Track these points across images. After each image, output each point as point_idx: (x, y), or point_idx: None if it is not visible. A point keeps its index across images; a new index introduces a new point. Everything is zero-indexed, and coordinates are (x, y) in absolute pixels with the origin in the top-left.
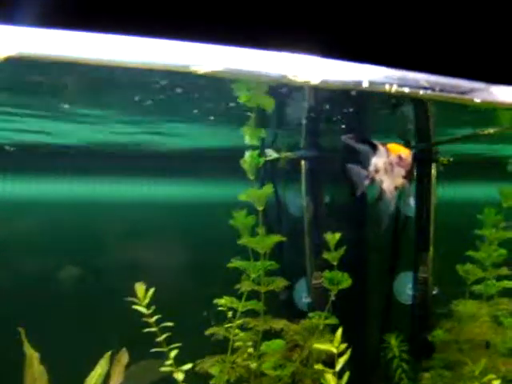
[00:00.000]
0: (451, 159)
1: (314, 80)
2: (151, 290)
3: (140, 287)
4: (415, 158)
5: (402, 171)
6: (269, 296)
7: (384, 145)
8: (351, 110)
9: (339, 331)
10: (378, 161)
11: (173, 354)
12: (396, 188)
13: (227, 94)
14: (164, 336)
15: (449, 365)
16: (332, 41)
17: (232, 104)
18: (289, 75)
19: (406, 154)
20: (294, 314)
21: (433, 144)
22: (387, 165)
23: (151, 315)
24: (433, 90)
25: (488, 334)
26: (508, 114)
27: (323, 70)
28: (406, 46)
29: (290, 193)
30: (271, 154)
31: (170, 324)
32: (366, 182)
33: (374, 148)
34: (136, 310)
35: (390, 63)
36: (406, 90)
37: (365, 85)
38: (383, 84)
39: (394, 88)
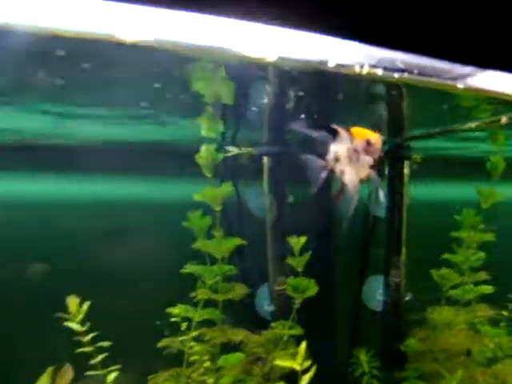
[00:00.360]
0: (423, 157)
1: (271, 56)
2: (86, 304)
3: (72, 301)
4: (386, 154)
5: (368, 160)
6: (228, 304)
7: (347, 129)
8: (317, 99)
9: (303, 345)
10: (338, 148)
11: (112, 376)
12: (361, 180)
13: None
14: (101, 357)
15: (423, 376)
16: (293, 8)
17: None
18: (242, 51)
19: (374, 138)
20: (256, 323)
21: (405, 139)
22: (351, 152)
23: (86, 332)
24: (410, 72)
25: (465, 343)
26: (487, 109)
27: (282, 45)
28: (381, 19)
29: (251, 192)
30: (232, 149)
31: (106, 343)
32: (323, 175)
33: (334, 133)
34: None
35: (363, 39)
36: (380, 72)
37: (331, 64)
38: (353, 65)
39: (366, 69)
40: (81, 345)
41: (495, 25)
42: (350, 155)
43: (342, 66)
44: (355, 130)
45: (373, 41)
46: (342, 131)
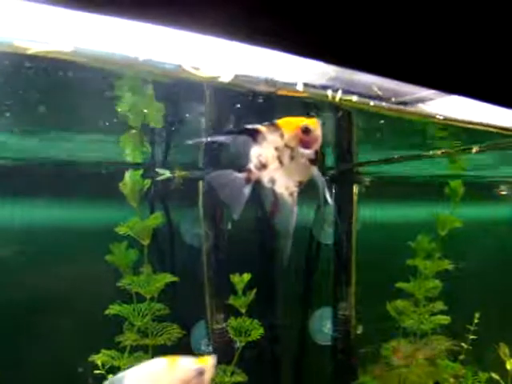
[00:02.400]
0: (373, 180)
1: (225, 76)
2: None
3: None
4: (334, 179)
5: (308, 153)
6: (160, 346)
7: (271, 124)
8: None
9: None
10: (261, 151)
11: None
12: (301, 183)
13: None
14: None
15: None
16: (251, 20)
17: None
18: (186, 67)
19: (312, 124)
20: None
21: (355, 165)
22: (281, 151)
23: None
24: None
25: (423, 379)
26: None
27: (239, 63)
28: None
29: (185, 219)
30: (163, 172)
31: None
32: (246, 191)
33: (254, 135)
34: None
35: (332, 60)
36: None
37: (298, 87)
38: (324, 88)
39: (339, 95)
40: None
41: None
42: (280, 155)
43: (313, 87)
44: (283, 121)
45: (336, 61)
46: (263, 128)
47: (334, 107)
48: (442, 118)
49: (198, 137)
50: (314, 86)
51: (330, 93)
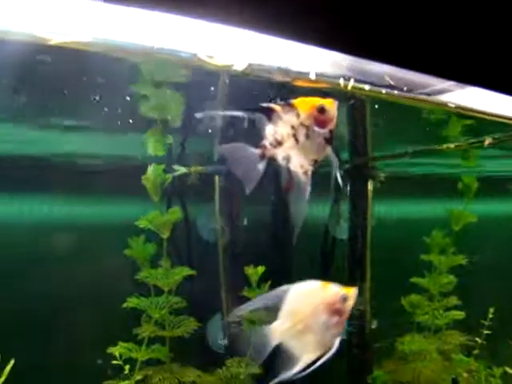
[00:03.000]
0: (387, 175)
1: (239, 64)
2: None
3: None
4: (349, 173)
5: (323, 133)
6: (177, 339)
7: (288, 104)
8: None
9: None
10: (276, 128)
11: None
12: (315, 162)
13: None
14: None
15: None
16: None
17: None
18: (201, 55)
19: (327, 104)
20: (209, 359)
21: (369, 159)
22: (297, 130)
23: None
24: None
25: (438, 374)
26: (458, 127)
27: (253, 51)
28: (363, 30)
29: (202, 215)
30: (179, 168)
31: None
32: (260, 167)
33: (269, 113)
34: None
35: (346, 50)
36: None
37: (311, 75)
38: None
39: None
40: None
41: (480, 41)
42: (295, 133)
43: (325, 76)
44: (299, 100)
45: (352, 51)
46: (279, 107)
47: (348, 99)
48: (460, 107)
49: (213, 133)
50: (326, 76)
51: (341, 81)
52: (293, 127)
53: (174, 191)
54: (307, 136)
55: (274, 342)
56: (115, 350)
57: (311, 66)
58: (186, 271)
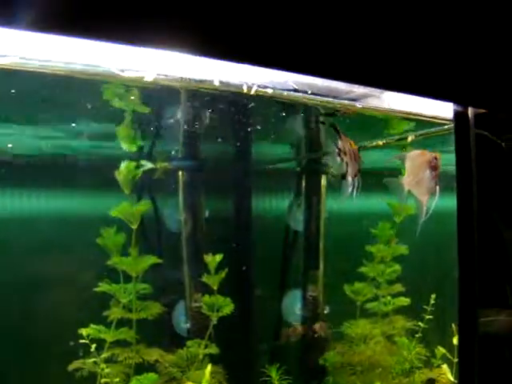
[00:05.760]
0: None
1: (148, 75)
2: None
3: None
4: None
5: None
6: (146, 323)
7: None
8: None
9: (208, 368)
10: (343, 144)
11: None
12: (355, 175)
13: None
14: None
15: None
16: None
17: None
18: (115, 70)
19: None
20: (175, 341)
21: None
22: (350, 151)
23: None
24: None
25: (381, 355)
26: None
27: (160, 63)
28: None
29: (167, 207)
30: (146, 164)
31: None
32: (338, 159)
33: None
34: None
35: (247, 59)
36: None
37: (216, 83)
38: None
39: (254, 89)
40: None
41: (398, 46)
42: (349, 153)
43: (228, 84)
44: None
45: (273, 64)
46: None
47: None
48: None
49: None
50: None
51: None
52: (349, 149)
53: (143, 185)
54: (352, 159)
55: (407, 189)
56: (86, 332)
57: (216, 73)
58: (153, 259)
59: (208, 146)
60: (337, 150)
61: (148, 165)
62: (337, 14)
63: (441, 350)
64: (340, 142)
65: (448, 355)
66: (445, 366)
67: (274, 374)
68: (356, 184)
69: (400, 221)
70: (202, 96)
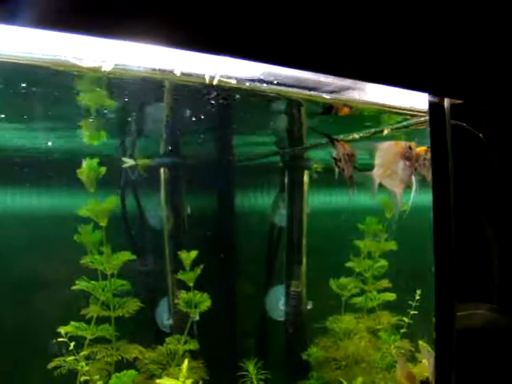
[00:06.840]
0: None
1: (106, 65)
2: None
3: None
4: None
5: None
6: (128, 320)
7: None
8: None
9: (185, 363)
10: (337, 152)
11: None
12: (351, 178)
13: None
14: None
15: None
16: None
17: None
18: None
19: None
20: (157, 338)
21: (302, 149)
22: (344, 155)
23: None
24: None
25: (365, 350)
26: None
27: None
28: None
29: (150, 204)
30: (127, 161)
31: None
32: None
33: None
34: None
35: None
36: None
37: (176, 72)
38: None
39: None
40: None
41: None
42: (344, 158)
43: (189, 75)
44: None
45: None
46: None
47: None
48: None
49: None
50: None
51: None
52: (343, 154)
53: (126, 182)
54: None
55: (378, 182)
56: (65, 329)
57: (178, 63)
58: (127, 256)
59: (186, 140)
60: (333, 160)
61: (129, 162)
62: (309, 3)
63: (423, 344)
64: (335, 152)
65: (429, 349)
66: (425, 361)
67: (251, 368)
68: (353, 184)
69: (390, 216)
70: (177, 89)
